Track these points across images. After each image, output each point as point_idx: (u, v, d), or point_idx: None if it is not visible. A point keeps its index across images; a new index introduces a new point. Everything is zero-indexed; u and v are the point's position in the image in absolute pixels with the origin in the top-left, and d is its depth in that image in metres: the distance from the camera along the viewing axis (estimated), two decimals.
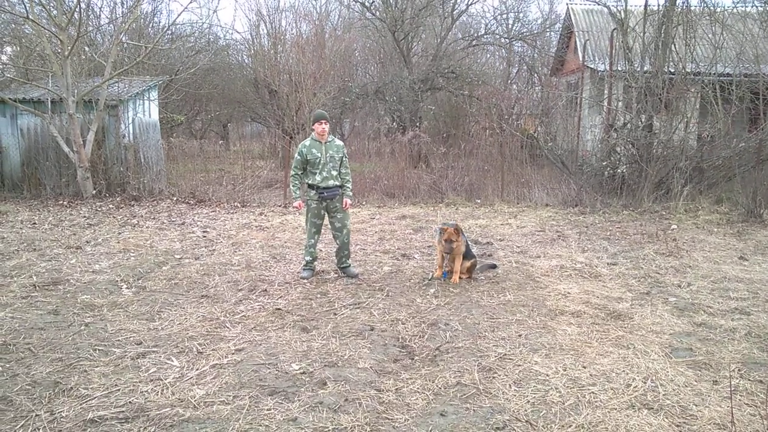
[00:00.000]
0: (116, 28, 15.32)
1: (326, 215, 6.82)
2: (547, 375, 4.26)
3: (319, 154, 6.61)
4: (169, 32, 19.16)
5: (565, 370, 4.34)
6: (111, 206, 11.55)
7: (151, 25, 21.57)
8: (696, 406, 3.80)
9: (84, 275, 6.79)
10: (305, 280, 6.66)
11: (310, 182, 6.70)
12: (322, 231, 7.03)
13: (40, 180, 12.60)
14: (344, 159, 6.80)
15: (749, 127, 13.19)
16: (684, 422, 3.60)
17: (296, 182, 6.76)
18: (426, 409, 3.77)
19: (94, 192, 12.26)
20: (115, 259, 7.56)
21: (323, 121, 6.60)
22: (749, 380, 4.18)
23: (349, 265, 6.99)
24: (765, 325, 5.26)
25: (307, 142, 6.71)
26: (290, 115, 14.60)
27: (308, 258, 6.92)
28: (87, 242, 8.49)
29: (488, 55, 26.96)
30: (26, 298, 5.92)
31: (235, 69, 24.00)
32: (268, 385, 4.07)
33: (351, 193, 6.85)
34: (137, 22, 18.23)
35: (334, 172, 6.68)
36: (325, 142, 6.66)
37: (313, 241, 6.86)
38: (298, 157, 6.68)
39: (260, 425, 3.55)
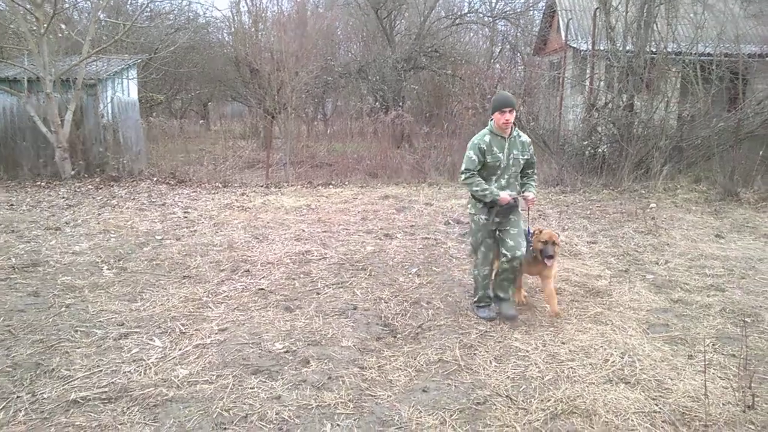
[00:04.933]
0: (93, 6, 15.01)
1: (499, 231, 5.01)
2: (527, 351, 4.34)
3: (501, 155, 4.80)
4: (148, 9, 18.85)
5: (544, 346, 4.42)
6: (90, 187, 11.42)
7: (129, 3, 21.17)
8: (671, 380, 3.90)
9: (64, 256, 6.73)
10: (486, 320, 5.00)
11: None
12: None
13: (17, 160, 12.39)
14: (532, 159, 5.04)
15: (728, 106, 13.33)
16: (660, 395, 3.69)
17: (479, 179, 4.84)
18: (408, 386, 3.82)
19: (73, 172, 12.10)
20: (95, 240, 7.50)
21: (509, 109, 4.68)
22: (723, 354, 4.29)
23: (509, 298, 5.08)
24: (739, 301, 5.38)
25: (486, 136, 4.83)
26: (272, 95, 14.44)
27: (482, 292, 5.15)
28: (66, 223, 8.40)
29: (471, 34, 26.84)
30: (5, 280, 5.86)
31: (216, 47, 23.69)
32: (252, 364, 4.10)
33: (534, 190, 5.04)
34: None
35: (514, 178, 4.92)
36: (509, 138, 4.84)
37: (488, 270, 5.10)
38: (474, 157, 4.80)
39: (244, 404, 3.58)
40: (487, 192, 4.78)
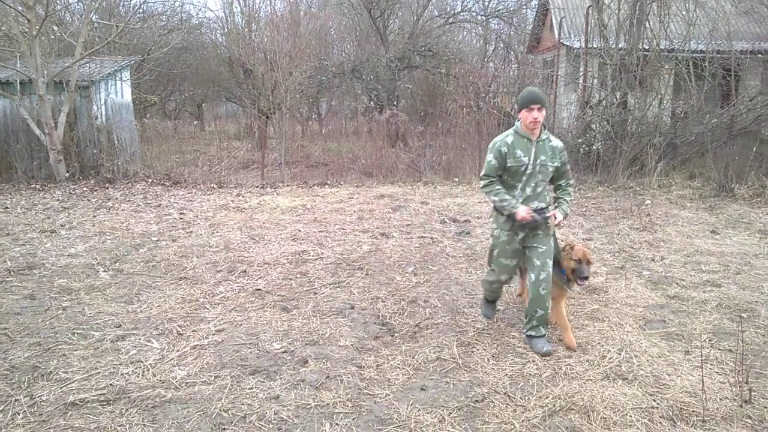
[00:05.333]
0: (86, 7, 14.95)
1: (524, 249, 4.44)
2: (525, 348, 4.35)
3: (525, 159, 4.20)
4: (141, 11, 18.79)
5: None
6: (85, 189, 11.38)
7: (122, 4, 21.09)
8: (669, 375, 3.91)
9: (60, 259, 6.71)
10: (487, 318, 4.91)
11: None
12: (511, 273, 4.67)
13: (11, 163, 12.34)
14: (565, 168, 4.37)
15: (721, 103, 13.41)
16: (657, 391, 3.71)
17: (498, 187, 4.30)
18: (406, 384, 3.83)
19: (68, 175, 12.06)
20: (90, 242, 7.47)
21: (537, 106, 4.11)
22: (719, 350, 4.31)
23: (543, 334, 4.38)
24: (735, 296, 5.41)
25: (509, 137, 4.27)
26: (266, 95, 14.42)
27: (486, 294, 4.88)
28: (61, 226, 8.37)
29: (465, 33, 26.90)
30: (1, 283, 5.83)
31: (209, 48, 23.65)
32: (250, 365, 4.09)
33: (568, 208, 4.39)
34: (107, 1, 17.81)
35: (542, 188, 4.32)
36: (537, 140, 4.22)
37: (496, 286, 4.71)
38: (493, 161, 4.26)
39: (242, 404, 3.58)
40: (505, 203, 4.22)
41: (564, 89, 16.04)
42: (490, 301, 4.94)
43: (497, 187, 4.29)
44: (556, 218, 4.27)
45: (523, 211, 4.17)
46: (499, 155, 4.24)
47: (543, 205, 4.30)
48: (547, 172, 4.28)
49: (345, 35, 24.64)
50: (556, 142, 4.32)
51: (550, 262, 4.32)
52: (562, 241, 4.52)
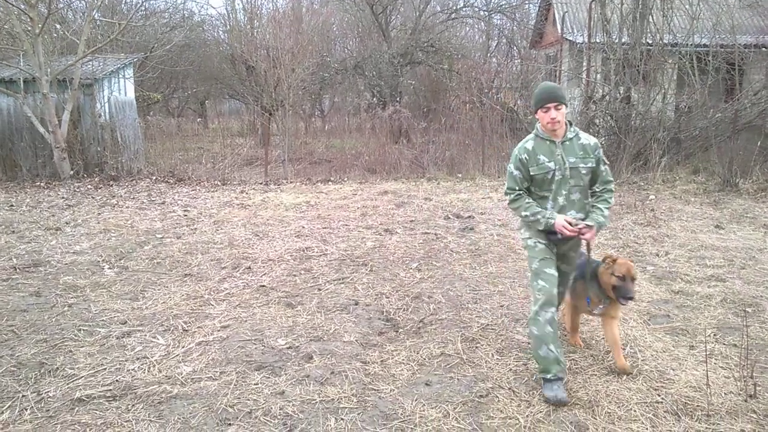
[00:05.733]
0: (88, 5, 14.95)
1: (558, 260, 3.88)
2: (529, 344, 4.35)
3: (551, 164, 3.65)
4: (143, 8, 18.80)
5: None
6: (89, 187, 11.41)
7: (124, 2, 21.10)
8: (673, 370, 3.92)
9: (65, 256, 6.73)
10: (553, 404, 3.52)
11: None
12: None
13: (16, 161, 12.38)
14: (602, 168, 3.78)
15: (725, 97, 13.36)
16: (662, 386, 3.71)
17: (527, 201, 3.73)
18: (411, 380, 3.84)
19: (72, 172, 12.09)
20: (95, 239, 7.50)
21: (554, 104, 3.58)
22: (724, 344, 4.31)
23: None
24: (739, 291, 5.40)
25: (528, 142, 3.75)
26: (269, 92, 14.42)
27: (546, 356, 3.65)
28: (66, 223, 8.40)
29: (467, 29, 26.85)
30: (7, 281, 5.86)
31: (212, 45, 23.65)
32: (255, 361, 4.11)
33: (603, 218, 3.71)
34: None
35: (578, 195, 3.73)
36: (562, 141, 3.68)
37: (551, 314, 3.69)
38: (516, 172, 3.73)
39: (248, 399, 3.59)
40: (539, 217, 3.66)
41: (567, 84, 16.00)
42: (552, 363, 3.61)
43: (526, 201, 3.71)
44: (583, 233, 3.60)
45: (563, 220, 3.59)
46: (520, 164, 3.70)
47: (582, 215, 3.71)
48: (581, 176, 3.67)
49: (347, 31, 24.61)
50: (588, 139, 3.75)
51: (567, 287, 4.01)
52: (611, 258, 3.92)
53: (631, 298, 3.80)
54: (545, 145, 3.70)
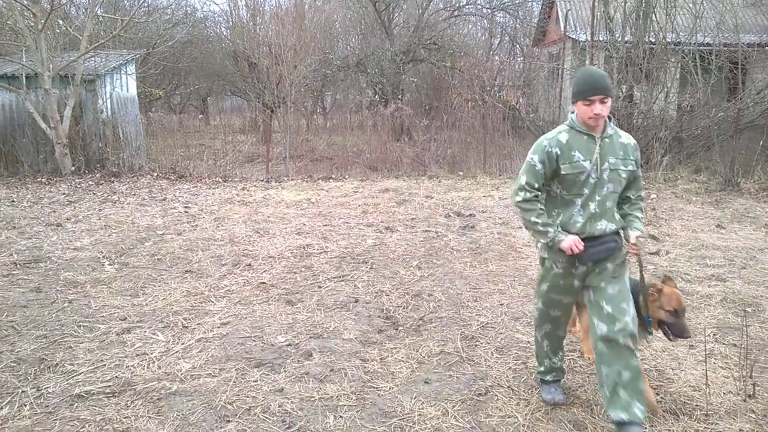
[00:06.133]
0: (91, 1, 14.94)
1: (586, 289, 3.29)
2: (529, 342, 4.35)
3: (587, 163, 3.09)
4: (146, 4, 18.79)
5: None
6: (91, 183, 11.42)
7: None
8: (672, 369, 3.91)
9: (65, 252, 6.74)
10: (550, 404, 3.47)
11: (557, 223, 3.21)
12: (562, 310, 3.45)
13: (17, 157, 12.39)
14: (637, 174, 3.27)
15: (728, 96, 13.32)
16: (661, 385, 3.71)
17: (539, 207, 3.20)
18: (410, 378, 3.84)
19: (73, 168, 12.11)
20: (96, 235, 7.51)
21: (599, 97, 3.02)
22: (723, 344, 4.31)
23: (636, 419, 3.01)
24: (740, 291, 5.39)
25: (562, 134, 3.17)
26: (270, 89, 14.42)
27: (544, 367, 3.59)
28: (67, 219, 8.41)
29: (470, 26, 26.78)
30: (7, 277, 5.87)
31: (214, 42, 23.64)
32: (255, 358, 4.11)
33: (641, 225, 3.25)
34: None
35: (612, 204, 3.18)
36: (602, 137, 3.13)
37: (549, 343, 3.53)
38: (539, 166, 3.14)
39: (247, 396, 3.60)
40: (549, 230, 3.14)
41: (570, 83, 15.97)
42: (549, 370, 3.56)
43: (538, 206, 3.17)
44: (632, 242, 3.16)
45: (568, 242, 3.10)
46: (547, 159, 3.11)
47: (613, 226, 3.16)
48: (619, 180, 3.12)
49: (350, 29, 24.57)
50: (628, 138, 3.22)
51: (630, 307, 3.15)
52: (657, 287, 3.35)
53: (687, 337, 3.25)
54: (582, 140, 3.11)
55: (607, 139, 3.13)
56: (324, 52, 19.15)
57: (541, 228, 3.16)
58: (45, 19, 11.43)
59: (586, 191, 3.12)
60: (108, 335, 4.50)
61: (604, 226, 3.14)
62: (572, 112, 3.19)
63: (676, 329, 3.24)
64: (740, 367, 3.82)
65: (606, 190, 3.12)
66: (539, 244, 3.34)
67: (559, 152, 3.10)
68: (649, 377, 3.80)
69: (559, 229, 3.16)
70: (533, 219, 3.18)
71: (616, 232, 3.19)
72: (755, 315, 4.84)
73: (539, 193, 3.19)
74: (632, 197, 3.29)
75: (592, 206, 3.13)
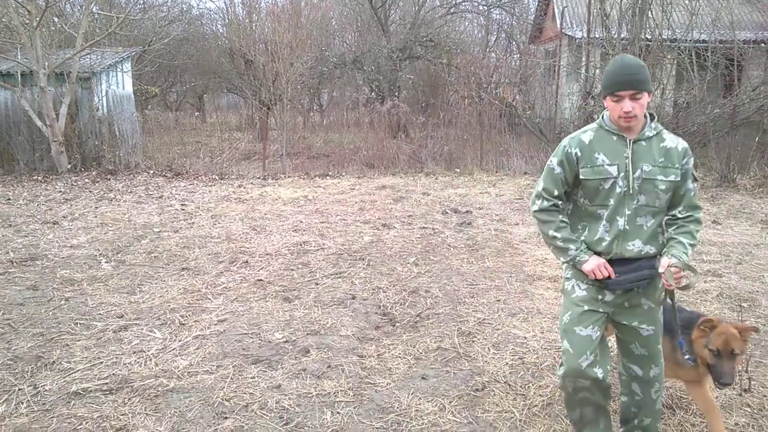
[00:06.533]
0: None
1: (613, 325, 2.86)
2: (525, 338, 4.36)
3: (613, 169, 2.60)
4: (141, 1, 18.73)
5: (542, 333, 4.44)
6: (87, 180, 11.40)
7: None
8: None
9: (62, 250, 6.73)
10: None
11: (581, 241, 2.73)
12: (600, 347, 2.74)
13: (13, 155, 12.35)
14: (690, 185, 2.66)
15: (724, 93, 13.36)
16: None
17: (560, 218, 2.73)
18: (408, 374, 3.85)
19: (69, 166, 12.07)
20: (93, 233, 7.49)
21: (630, 92, 2.52)
22: None
23: None
24: (736, 286, 5.41)
25: (587, 132, 2.70)
26: (267, 86, 14.38)
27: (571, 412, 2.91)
28: (64, 217, 8.39)
29: (467, 23, 26.78)
30: (3, 275, 5.86)
31: (210, 39, 23.60)
32: (252, 354, 4.12)
33: (687, 257, 2.59)
34: None
35: (650, 220, 2.64)
36: (635, 140, 2.61)
37: (580, 384, 2.71)
38: (558, 169, 2.70)
39: (244, 393, 3.60)
40: (570, 246, 2.67)
41: (566, 79, 15.99)
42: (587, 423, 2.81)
43: (558, 217, 2.71)
44: (665, 275, 2.52)
45: (592, 264, 2.62)
46: (566, 160, 2.67)
47: (652, 250, 2.63)
48: (655, 193, 2.57)
49: (346, 25, 24.55)
50: (674, 141, 2.64)
51: (660, 354, 2.79)
52: (709, 323, 2.90)
53: (727, 384, 2.78)
54: (610, 140, 2.62)
55: (643, 142, 2.59)
56: (320, 49, 19.13)
57: (561, 244, 2.68)
58: (40, 17, 11.39)
59: (612, 202, 2.60)
60: (105, 333, 4.49)
61: (638, 247, 2.61)
62: (605, 110, 2.70)
63: (716, 373, 2.77)
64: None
65: (637, 202, 2.58)
66: (563, 264, 2.82)
67: (579, 153, 2.64)
68: None
69: (584, 246, 2.67)
70: (551, 232, 2.70)
71: (654, 257, 2.64)
72: (751, 310, 4.86)
73: (559, 201, 2.71)
74: (679, 216, 2.65)
75: (621, 222, 2.60)
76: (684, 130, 12.33)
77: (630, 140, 2.60)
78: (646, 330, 2.73)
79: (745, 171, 10.69)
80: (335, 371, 3.87)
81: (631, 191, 2.58)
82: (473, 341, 4.34)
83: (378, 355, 4.12)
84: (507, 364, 3.97)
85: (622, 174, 2.58)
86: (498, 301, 5.12)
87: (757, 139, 10.94)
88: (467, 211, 8.68)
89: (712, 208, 8.77)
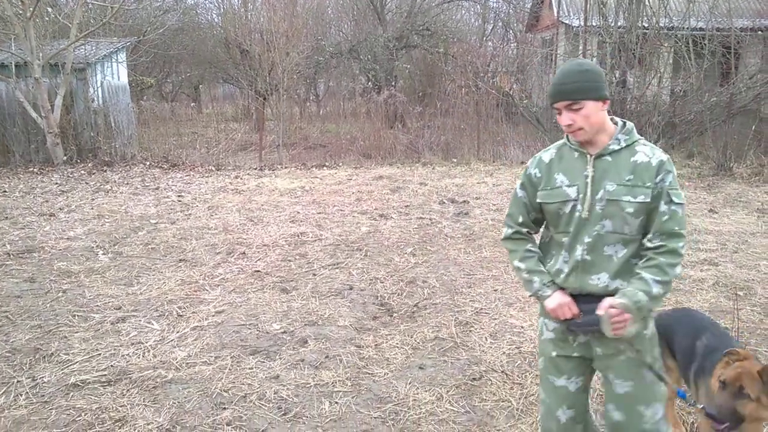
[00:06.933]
0: None
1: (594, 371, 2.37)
2: (522, 327, 4.38)
3: (572, 191, 2.21)
4: None
5: None
6: (83, 172, 11.36)
7: None
8: None
9: (59, 242, 6.72)
10: None
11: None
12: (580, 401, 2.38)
13: (8, 147, 12.30)
14: (664, 207, 2.11)
15: (721, 81, 13.35)
16: None
17: (527, 247, 2.36)
18: (405, 363, 3.87)
19: (65, 158, 12.03)
20: (89, 225, 7.48)
21: (562, 104, 2.15)
22: None
23: None
24: (732, 274, 5.43)
25: (549, 151, 2.35)
26: (263, 76, 14.33)
27: None
28: (60, 209, 8.38)
29: (463, 12, 26.63)
30: (0, 267, 5.85)
31: (205, 29, 23.44)
32: (250, 345, 4.13)
33: (645, 296, 2.07)
34: None
35: (620, 250, 2.17)
36: (598, 155, 2.19)
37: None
38: (520, 192, 2.36)
39: (243, 383, 3.61)
40: (534, 279, 2.30)
41: None
42: None
43: (524, 246, 2.36)
44: (602, 320, 2.08)
45: (554, 302, 2.24)
46: (528, 183, 2.35)
47: (613, 286, 2.18)
48: (622, 216, 2.14)
49: (342, 14, 24.39)
50: (648, 154, 2.17)
51: (652, 410, 2.22)
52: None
53: (710, 416, 2.33)
54: (572, 158, 2.26)
55: (608, 157, 2.19)
56: (316, 39, 19.02)
57: (526, 276, 2.32)
58: (33, 7, 11.30)
59: (572, 229, 2.21)
60: (103, 324, 4.50)
61: (603, 282, 2.18)
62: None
63: (708, 405, 2.39)
64: None
65: (601, 228, 2.16)
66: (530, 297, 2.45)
67: (539, 174, 2.31)
68: None
69: (549, 279, 2.28)
70: (515, 263, 2.36)
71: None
72: (747, 298, 4.88)
73: (524, 229, 2.37)
74: (650, 246, 2.14)
75: (579, 250, 2.20)
76: (681, 119, 12.35)
77: (591, 157, 2.20)
78: (621, 386, 2.23)
79: (742, 159, 10.70)
80: (333, 361, 3.89)
81: (591, 216, 2.17)
82: (470, 331, 4.35)
83: (375, 345, 4.13)
84: (504, 353, 3.99)
85: (581, 195, 2.19)
86: (495, 290, 5.13)
87: (753, 127, 10.95)
88: (464, 201, 8.68)
89: (708, 197, 8.79)
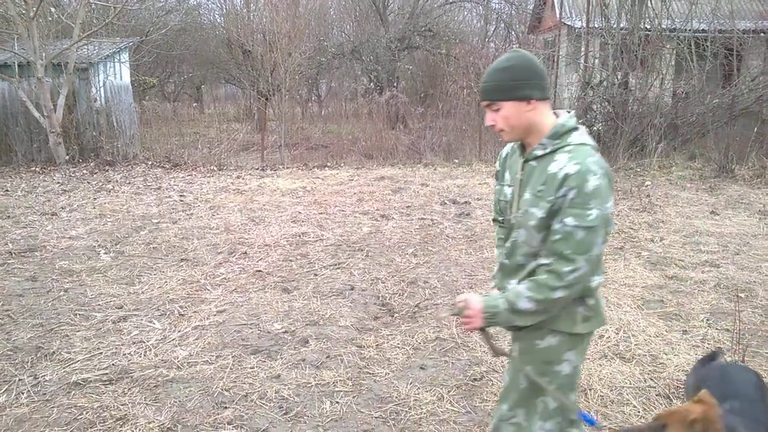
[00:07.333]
0: None
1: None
2: None
3: (509, 190, 2.18)
4: None
5: None
6: (85, 172, 11.38)
7: None
8: (666, 354, 3.95)
9: (61, 241, 6.73)
10: None
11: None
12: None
13: (11, 146, 12.32)
14: (557, 225, 1.94)
15: (723, 83, 13.34)
16: (654, 370, 3.74)
17: (497, 241, 2.35)
18: (406, 363, 3.87)
19: (67, 157, 12.05)
20: (91, 224, 7.49)
21: (484, 102, 2.07)
22: (717, 329, 4.34)
23: None
24: (733, 276, 5.43)
25: (507, 147, 2.27)
26: (265, 76, 14.35)
27: None
28: (62, 208, 8.39)
29: (465, 13, 26.66)
30: (2, 266, 5.86)
31: (208, 29, 23.49)
32: (251, 345, 4.13)
33: (504, 302, 2.04)
34: None
35: (533, 264, 2.06)
36: (525, 160, 2.09)
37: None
38: (494, 183, 2.39)
39: (244, 383, 3.62)
40: (495, 270, 2.34)
41: (565, 69, 15.95)
42: None
43: (500, 235, 2.29)
44: (457, 312, 2.16)
45: (470, 302, 2.13)
46: (496, 175, 2.34)
47: (509, 284, 2.18)
48: (527, 227, 2.05)
49: (344, 15, 24.42)
50: (562, 163, 1.96)
51: (501, 406, 2.29)
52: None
53: None
54: (516, 158, 2.18)
55: (533, 162, 2.06)
56: (319, 39, 19.06)
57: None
58: (37, 7, 11.32)
59: (505, 230, 2.20)
60: (104, 323, 4.50)
61: (512, 288, 2.10)
62: None
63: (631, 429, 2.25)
64: (733, 352, 3.85)
65: (517, 236, 2.10)
66: None
67: (498, 168, 2.30)
68: (643, 362, 3.84)
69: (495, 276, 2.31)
70: (496, 251, 2.34)
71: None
72: (748, 300, 4.88)
73: (500, 217, 2.28)
74: (540, 262, 2.03)
75: (501, 254, 2.21)
76: (683, 120, 12.35)
77: (522, 161, 2.10)
78: (507, 376, 2.30)
79: (744, 161, 10.68)
80: (334, 361, 3.89)
81: (513, 221, 2.12)
82: (471, 331, 4.34)
83: (377, 345, 4.13)
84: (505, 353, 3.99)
85: (512, 196, 2.14)
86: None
87: (755, 129, 10.93)
88: (466, 202, 8.68)
89: (710, 199, 8.78)
